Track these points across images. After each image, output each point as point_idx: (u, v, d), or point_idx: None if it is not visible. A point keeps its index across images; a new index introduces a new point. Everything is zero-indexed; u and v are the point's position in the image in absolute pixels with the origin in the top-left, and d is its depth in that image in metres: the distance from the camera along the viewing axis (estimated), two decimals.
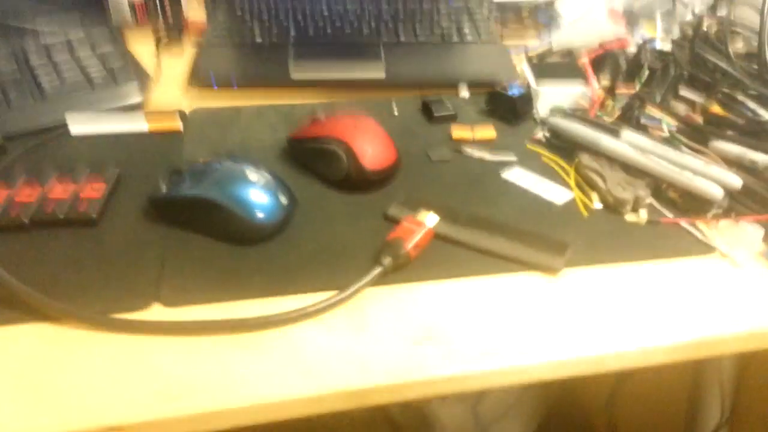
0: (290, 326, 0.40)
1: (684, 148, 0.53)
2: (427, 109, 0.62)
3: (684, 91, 0.58)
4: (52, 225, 0.47)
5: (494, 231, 0.47)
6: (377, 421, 1.15)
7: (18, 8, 0.75)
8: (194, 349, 0.39)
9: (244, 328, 0.40)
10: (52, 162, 0.54)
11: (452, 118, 0.62)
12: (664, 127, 0.56)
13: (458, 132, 0.59)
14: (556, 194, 0.52)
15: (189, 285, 0.43)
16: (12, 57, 0.67)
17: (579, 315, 0.42)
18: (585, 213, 0.50)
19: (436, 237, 0.46)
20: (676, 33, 0.65)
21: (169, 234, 0.47)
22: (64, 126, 0.59)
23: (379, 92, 0.67)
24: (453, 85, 0.67)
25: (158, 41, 0.76)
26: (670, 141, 0.54)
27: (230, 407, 0.36)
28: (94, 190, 0.49)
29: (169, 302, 0.41)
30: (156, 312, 0.41)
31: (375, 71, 0.67)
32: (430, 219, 0.45)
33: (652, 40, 0.64)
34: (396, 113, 0.63)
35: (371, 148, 0.51)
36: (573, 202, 0.51)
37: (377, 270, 0.43)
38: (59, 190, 0.49)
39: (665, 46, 0.63)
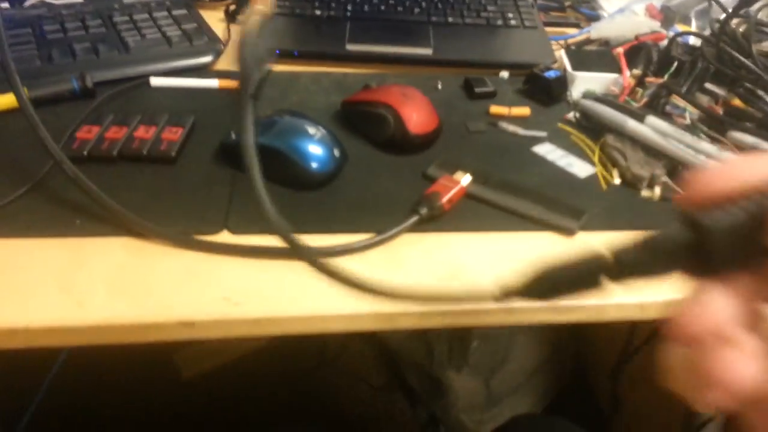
0: (336, 258, 0.47)
1: (703, 136, 0.58)
2: (468, 86, 0.68)
3: (709, 85, 0.63)
4: (136, 160, 0.55)
5: (520, 194, 0.52)
6: (393, 387, 1.22)
7: None
8: (255, 268, 0.46)
9: (297, 256, 0.47)
10: (134, 107, 0.62)
11: (491, 96, 0.67)
12: (687, 115, 0.61)
13: (495, 108, 0.64)
14: (580, 169, 0.57)
15: (252, 217, 0.50)
16: (98, 15, 0.75)
17: None
18: (605, 186, 0.55)
19: (468, 195, 0.52)
20: (708, 30, 0.69)
21: (236, 175, 0.54)
22: (145, 77, 0.66)
23: (426, 69, 0.73)
24: (495, 66, 0.72)
25: (226, 9, 0.83)
26: (690, 129, 0.59)
27: (282, 315, 0.43)
28: (172, 133, 0.57)
29: (236, 230, 0.49)
30: (224, 237, 0.48)
31: (423, 49, 0.73)
32: (464, 179, 0.51)
33: (683, 34, 0.68)
34: (440, 88, 0.69)
35: (416, 114, 0.57)
36: (595, 176, 0.56)
37: (414, 218, 0.49)
38: (143, 131, 0.56)
39: (696, 41, 0.67)
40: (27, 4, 0.81)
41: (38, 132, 0.48)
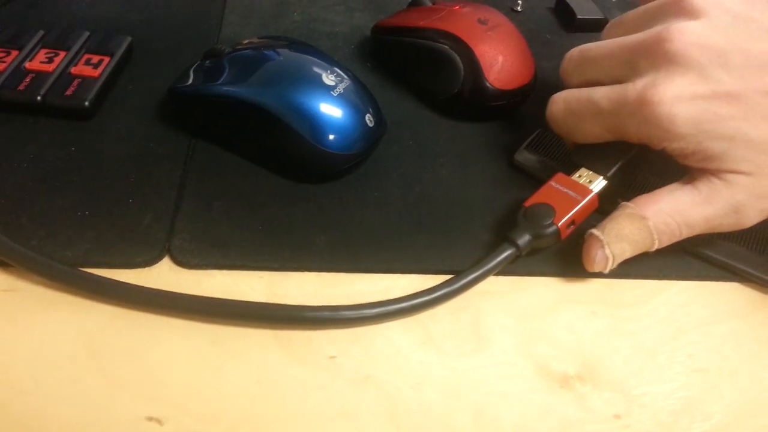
0: (363, 327, 0.26)
1: None
2: (564, 10, 0.45)
3: None
4: (26, 109, 0.32)
5: None
6: None
7: None
8: (208, 342, 0.24)
9: (292, 321, 0.25)
10: (37, 14, 0.39)
11: (600, 25, 0.44)
12: None
13: None
14: None
15: (217, 234, 0.28)
16: None
17: None
18: None
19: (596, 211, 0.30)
20: None
21: (193, 147, 0.32)
22: None
23: None
24: None
25: None
26: None
27: None
28: (92, 64, 0.34)
29: (186, 259, 0.27)
30: (163, 272, 0.26)
31: None
32: (596, 184, 0.29)
33: None
34: (519, 9, 0.45)
35: (502, 58, 0.34)
36: None
37: (508, 251, 0.27)
38: (42, 58, 0.34)
39: None
40: None
41: None
